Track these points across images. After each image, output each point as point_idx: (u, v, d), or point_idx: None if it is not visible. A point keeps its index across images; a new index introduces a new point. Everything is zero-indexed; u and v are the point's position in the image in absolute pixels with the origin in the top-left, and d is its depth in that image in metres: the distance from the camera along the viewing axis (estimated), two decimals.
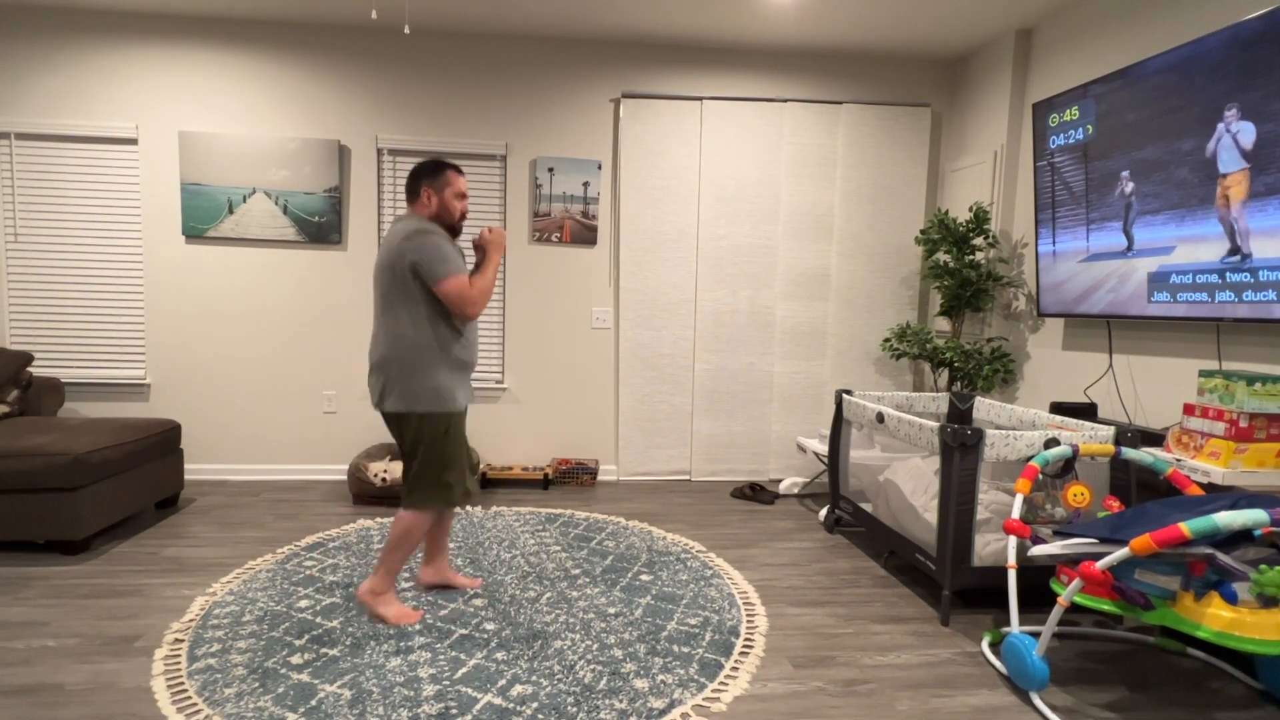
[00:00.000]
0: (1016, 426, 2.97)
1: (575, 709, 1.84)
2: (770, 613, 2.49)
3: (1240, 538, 1.78)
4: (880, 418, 2.90)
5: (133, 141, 3.84)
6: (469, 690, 1.92)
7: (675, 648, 2.19)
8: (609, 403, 4.27)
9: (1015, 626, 2.06)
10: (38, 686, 1.92)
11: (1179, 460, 2.29)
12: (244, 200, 3.88)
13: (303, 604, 2.44)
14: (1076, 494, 2.32)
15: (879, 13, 3.55)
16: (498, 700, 1.88)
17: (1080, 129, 3.00)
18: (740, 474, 4.33)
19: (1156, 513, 1.90)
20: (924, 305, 4.35)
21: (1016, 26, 3.64)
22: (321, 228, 3.95)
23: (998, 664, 2.15)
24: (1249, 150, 2.32)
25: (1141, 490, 2.59)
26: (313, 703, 1.85)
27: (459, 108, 4.01)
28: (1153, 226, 2.69)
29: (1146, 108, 2.68)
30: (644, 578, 2.74)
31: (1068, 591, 1.88)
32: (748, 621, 2.41)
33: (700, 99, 4.07)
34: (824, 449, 3.68)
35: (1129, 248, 2.81)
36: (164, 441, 3.33)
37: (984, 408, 3.20)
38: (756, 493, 3.95)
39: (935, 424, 2.47)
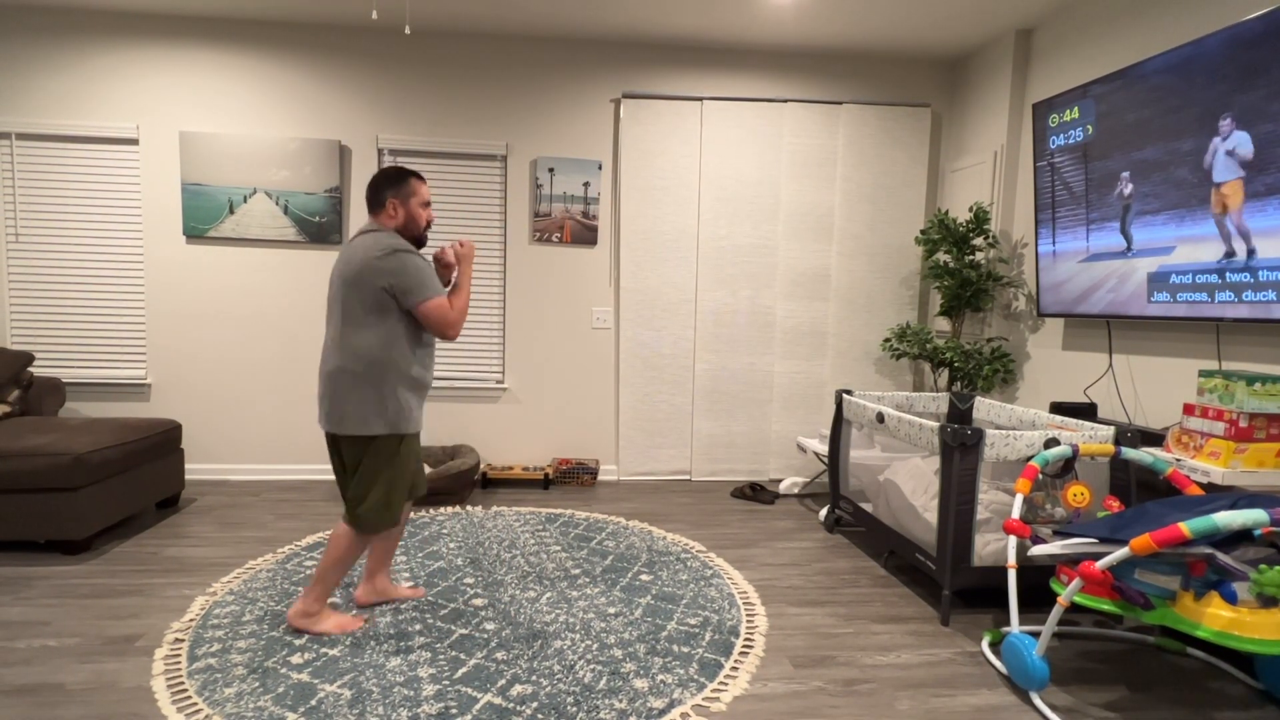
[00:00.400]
0: (1016, 426, 2.97)
1: (575, 709, 1.84)
2: (770, 612, 2.50)
3: (1240, 537, 1.78)
4: (880, 418, 2.90)
5: (133, 142, 3.84)
6: (469, 690, 1.92)
7: (675, 647, 2.19)
8: (609, 403, 4.27)
9: (1015, 626, 2.06)
10: (39, 686, 1.92)
11: (1179, 460, 2.29)
12: (245, 200, 3.89)
13: None
14: (1076, 494, 2.32)
15: (879, 13, 3.55)
16: (497, 700, 1.88)
17: (1080, 129, 3.00)
18: (740, 474, 4.33)
19: (1156, 513, 1.90)
20: (924, 305, 4.35)
21: (1016, 26, 3.64)
22: (322, 228, 3.95)
23: (998, 664, 2.15)
24: (1247, 159, 2.32)
25: (1141, 490, 2.59)
26: (313, 702, 1.85)
27: (459, 108, 4.01)
28: (1152, 227, 2.69)
29: (1146, 108, 2.68)
30: (644, 578, 2.74)
31: (1068, 591, 1.88)
32: (748, 621, 2.41)
33: (700, 99, 4.07)
34: (824, 449, 3.68)
35: (1129, 248, 2.81)
36: (165, 441, 3.33)
37: (984, 408, 3.20)
38: (757, 493, 3.95)
39: (935, 424, 2.47)
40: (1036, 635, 2.16)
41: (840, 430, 3.35)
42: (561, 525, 3.36)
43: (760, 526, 3.45)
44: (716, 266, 4.17)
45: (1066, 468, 2.37)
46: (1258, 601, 1.67)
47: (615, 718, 1.81)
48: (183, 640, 2.18)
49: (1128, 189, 2.78)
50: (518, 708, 1.84)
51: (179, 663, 2.05)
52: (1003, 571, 2.36)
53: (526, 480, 4.07)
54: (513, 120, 4.05)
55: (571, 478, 4.10)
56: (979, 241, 3.82)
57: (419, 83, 3.98)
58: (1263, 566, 1.66)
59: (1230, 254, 2.40)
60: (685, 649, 2.19)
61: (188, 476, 4.05)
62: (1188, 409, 2.31)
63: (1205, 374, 2.25)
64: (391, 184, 2.21)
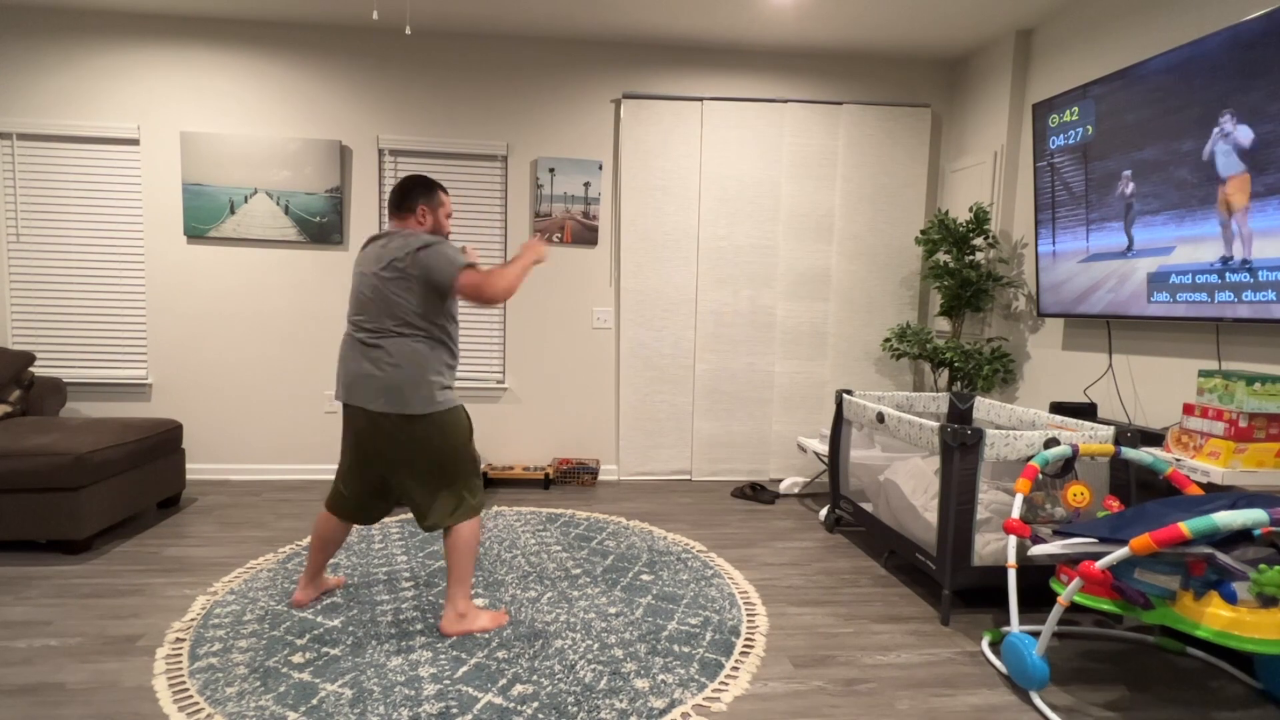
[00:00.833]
0: (1016, 426, 2.97)
1: (576, 708, 1.85)
2: (771, 612, 2.50)
3: (1240, 537, 1.78)
4: (880, 418, 2.91)
5: (134, 142, 3.85)
6: (469, 689, 1.93)
7: (676, 647, 2.20)
8: (610, 403, 4.27)
9: (1015, 626, 2.07)
10: (40, 686, 1.92)
11: (1178, 460, 2.30)
12: (245, 200, 3.89)
13: None
14: (1076, 494, 2.32)
15: (879, 13, 3.55)
16: (498, 700, 1.88)
17: (1080, 129, 3.00)
18: (741, 474, 4.33)
19: (1156, 512, 1.91)
20: (924, 305, 4.36)
21: (1016, 27, 3.64)
22: (323, 228, 3.96)
23: (998, 663, 2.16)
24: (1247, 152, 2.32)
25: (1141, 490, 2.59)
26: (314, 702, 1.85)
27: (460, 108, 4.01)
28: (1152, 227, 2.70)
29: (1146, 108, 2.69)
30: (645, 577, 2.74)
31: (1068, 591, 1.88)
32: (748, 621, 2.41)
33: (701, 100, 4.07)
34: (824, 449, 3.68)
35: (1129, 248, 2.81)
36: (166, 441, 3.33)
37: (984, 408, 3.20)
38: (757, 492, 3.95)
39: (935, 424, 2.48)
40: (1036, 635, 2.17)
41: (840, 430, 3.35)
42: (562, 525, 3.36)
43: (760, 526, 3.45)
44: (717, 266, 4.18)
45: (1066, 468, 2.37)
46: (1257, 601, 1.68)
47: (616, 717, 1.82)
48: (184, 640, 2.18)
49: (1129, 189, 2.79)
50: (518, 707, 1.85)
51: (180, 662, 2.05)
52: (1003, 571, 2.37)
53: (527, 480, 4.07)
54: (513, 120, 4.05)
55: (572, 478, 4.10)
56: (979, 242, 3.82)
57: (420, 83, 3.98)
58: (1262, 566, 1.66)
59: (1229, 255, 2.41)
60: (686, 649, 2.19)
61: (189, 476, 4.06)
62: (1187, 409, 2.31)
63: (1205, 374, 2.25)
64: (424, 191, 2.24)
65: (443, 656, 2.10)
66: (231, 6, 3.66)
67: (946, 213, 3.79)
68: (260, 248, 3.97)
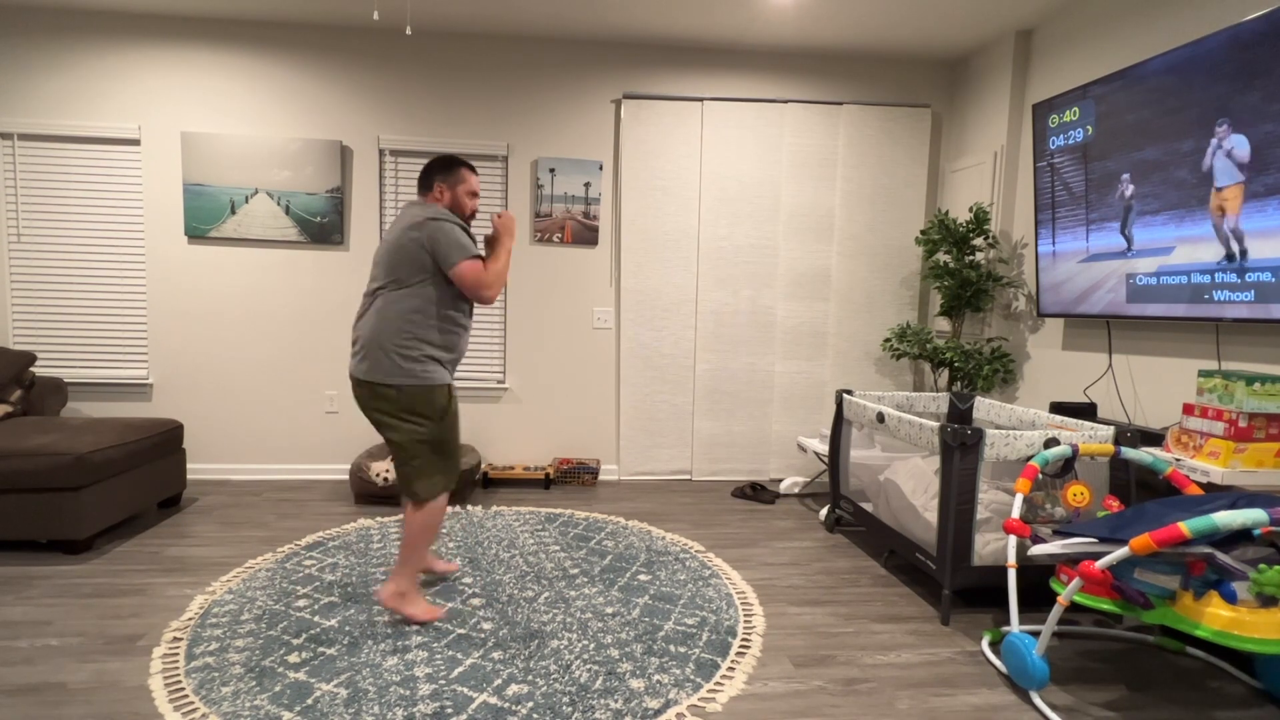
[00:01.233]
0: (1016, 426, 2.96)
1: (570, 709, 1.84)
2: (770, 612, 2.49)
3: (1239, 537, 1.77)
4: (880, 418, 2.90)
5: (135, 142, 3.86)
6: (465, 689, 1.92)
7: (672, 648, 2.19)
8: (610, 403, 4.27)
9: (1015, 625, 2.06)
10: (40, 685, 1.93)
11: (1178, 460, 2.29)
12: (246, 201, 3.90)
13: (301, 603, 2.44)
14: (1076, 494, 2.32)
15: (879, 13, 3.55)
16: (493, 700, 1.88)
17: (1080, 130, 3.00)
18: (741, 474, 4.33)
19: (1156, 512, 1.90)
20: (924, 305, 4.35)
21: (1016, 27, 3.64)
22: (324, 228, 3.96)
23: (998, 663, 2.15)
24: (1245, 161, 2.32)
25: (1141, 490, 2.59)
26: (309, 701, 1.85)
27: (461, 108, 4.02)
28: (1152, 227, 2.69)
29: (1146, 108, 2.68)
30: (642, 577, 2.74)
31: (1067, 591, 1.88)
32: (745, 621, 2.40)
33: (701, 100, 4.07)
34: (824, 449, 3.68)
35: (1129, 248, 2.80)
36: (166, 441, 3.34)
37: (984, 408, 3.20)
38: (757, 492, 3.95)
39: (935, 424, 2.47)
40: (1036, 635, 2.16)
41: (840, 430, 3.35)
42: (561, 525, 3.36)
43: (760, 526, 3.45)
44: (717, 266, 4.17)
45: (1066, 467, 2.36)
46: (1257, 601, 1.67)
47: (611, 718, 1.81)
48: (181, 639, 2.18)
49: (1129, 190, 2.78)
50: (513, 707, 1.84)
51: (176, 662, 2.05)
52: (1003, 571, 2.36)
53: (527, 480, 4.07)
54: (514, 121, 4.05)
55: (572, 477, 4.10)
56: (979, 242, 3.81)
57: (420, 83, 3.99)
58: (1262, 566, 1.65)
59: (1231, 256, 2.40)
60: (682, 649, 2.18)
61: (189, 476, 4.06)
62: (1187, 409, 2.30)
63: (1205, 374, 2.24)
64: (441, 169, 2.34)
65: (438, 657, 2.10)
66: (232, 7, 3.67)
67: (946, 213, 3.78)
68: (261, 248, 3.97)
